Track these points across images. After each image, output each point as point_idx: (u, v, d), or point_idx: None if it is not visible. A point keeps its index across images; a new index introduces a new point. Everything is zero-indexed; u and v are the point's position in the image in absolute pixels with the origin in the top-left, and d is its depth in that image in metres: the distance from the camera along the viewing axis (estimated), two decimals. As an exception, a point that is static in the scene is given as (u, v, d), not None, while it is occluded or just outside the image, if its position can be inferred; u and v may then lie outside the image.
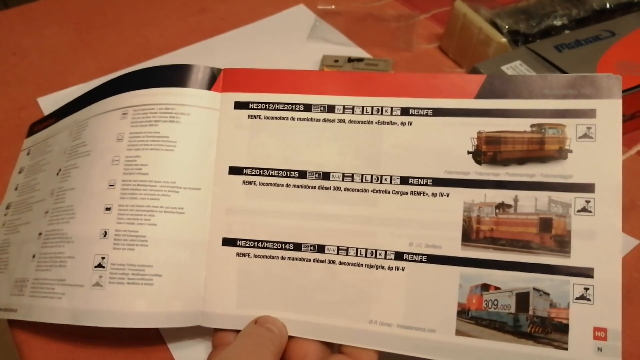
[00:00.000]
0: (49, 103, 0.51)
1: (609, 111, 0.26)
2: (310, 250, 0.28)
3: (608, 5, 0.52)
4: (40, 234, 0.31)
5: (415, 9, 0.62)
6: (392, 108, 0.29)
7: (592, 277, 0.24)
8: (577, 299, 0.24)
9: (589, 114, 0.26)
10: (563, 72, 0.44)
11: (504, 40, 0.49)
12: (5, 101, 0.52)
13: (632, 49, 0.44)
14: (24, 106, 0.51)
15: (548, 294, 0.25)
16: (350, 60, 0.52)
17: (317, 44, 0.56)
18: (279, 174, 0.29)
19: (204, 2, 0.64)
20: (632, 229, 0.35)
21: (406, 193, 0.28)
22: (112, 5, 0.65)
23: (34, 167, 0.36)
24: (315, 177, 0.29)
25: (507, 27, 0.50)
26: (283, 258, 0.29)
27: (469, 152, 0.27)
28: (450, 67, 0.55)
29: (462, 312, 0.26)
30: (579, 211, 0.25)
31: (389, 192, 0.28)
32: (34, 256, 0.30)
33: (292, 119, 0.30)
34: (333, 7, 0.61)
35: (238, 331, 0.28)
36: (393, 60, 0.51)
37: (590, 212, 0.25)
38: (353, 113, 0.29)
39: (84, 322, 0.28)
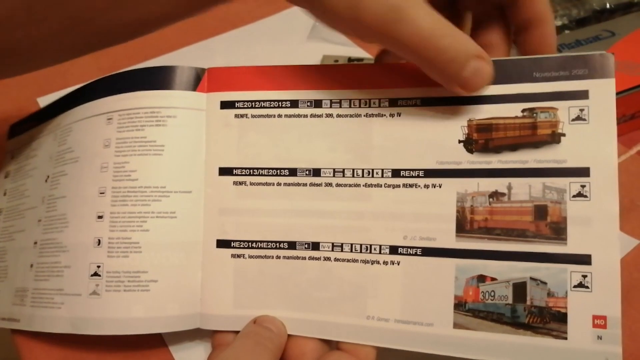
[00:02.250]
0: (49, 103, 0.51)
1: (603, 91, 0.25)
2: (305, 248, 0.28)
3: (608, 5, 0.52)
4: (35, 242, 0.31)
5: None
6: (380, 100, 0.28)
7: (589, 264, 0.24)
8: (575, 286, 0.24)
9: (582, 95, 0.25)
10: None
11: None
12: (6, 101, 0.52)
13: (632, 49, 0.44)
14: (24, 106, 0.51)
15: (545, 283, 0.24)
16: (350, 60, 0.51)
17: (317, 44, 0.56)
18: (269, 173, 0.29)
19: (201, 1, 0.64)
20: (632, 229, 0.34)
21: (398, 186, 0.27)
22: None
23: (20, 172, 0.36)
24: (306, 174, 0.29)
25: None
26: (278, 257, 0.28)
27: (460, 141, 0.27)
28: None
29: (459, 305, 0.25)
30: (574, 196, 0.25)
31: (380, 186, 0.28)
32: (31, 265, 0.31)
33: (279, 116, 0.29)
34: (333, 7, 0.60)
35: (237, 332, 0.28)
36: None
37: (585, 197, 0.24)
38: (340, 107, 0.29)
39: (84, 330, 0.28)
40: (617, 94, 0.25)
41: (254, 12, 0.61)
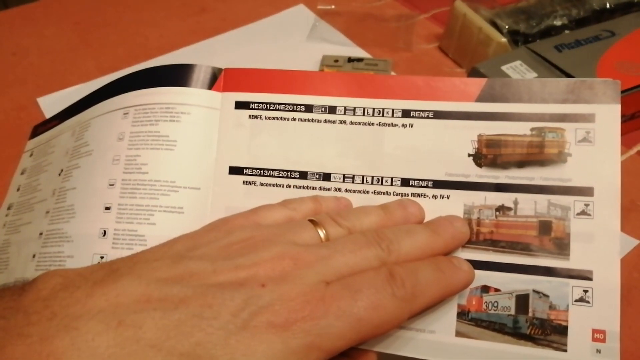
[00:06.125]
0: (49, 103, 0.51)
1: (608, 116, 0.26)
2: None
3: (608, 5, 0.52)
4: (41, 233, 0.31)
5: (415, 9, 0.62)
6: (393, 110, 0.29)
7: (591, 279, 0.25)
8: (576, 301, 0.25)
9: (588, 118, 0.26)
10: (563, 72, 0.44)
11: (503, 40, 0.49)
12: (5, 101, 0.52)
13: (632, 49, 0.44)
14: (24, 106, 0.51)
15: (547, 296, 0.25)
16: (350, 60, 0.52)
17: (317, 44, 0.57)
18: (280, 175, 0.29)
19: (203, 2, 0.64)
20: (632, 229, 0.35)
21: (407, 195, 0.28)
22: (112, 5, 0.65)
23: (36, 168, 0.36)
24: (316, 178, 0.29)
25: (507, 27, 0.51)
26: None
27: (469, 155, 0.27)
28: (450, 67, 0.55)
29: (462, 314, 0.26)
30: (578, 214, 0.25)
31: (389, 194, 0.28)
32: (34, 256, 0.30)
33: (293, 119, 0.30)
34: (333, 7, 0.61)
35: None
36: (393, 60, 0.52)
37: (589, 215, 0.25)
38: (354, 114, 0.29)
39: None
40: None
41: (253, 12, 0.62)
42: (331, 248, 0.23)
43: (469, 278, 0.25)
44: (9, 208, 0.36)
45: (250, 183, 0.29)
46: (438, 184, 0.28)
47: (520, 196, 0.26)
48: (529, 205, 0.26)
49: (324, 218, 0.25)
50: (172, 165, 0.29)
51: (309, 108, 0.30)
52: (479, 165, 0.27)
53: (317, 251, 0.22)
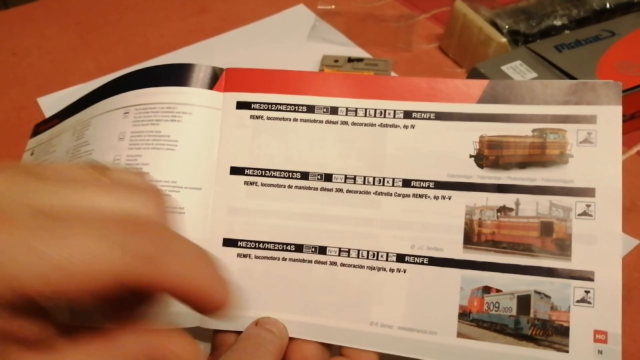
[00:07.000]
0: (49, 103, 0.51)
1: (609, 117, 0.26)
2: (312, 251, 0.28)
3: (608, 5, 0.52)
4: None
5: (415, 9, 0.62)
6: (395, 111, 0.29)
7: (592, 280, 0.25)
8: (577, 302, 0.25)
9: (590, 119, 0.26)
10: (563, 72, 0.44)
11: (504, 40, 0.50)
12: (5, 101, 0.52)
13: (632, 49, 0.44)
14: (24, 106, 0.51)
15: (549, 297, 0.25)
16: (350, 60, 0.52)
17: (317, 44, 0.57)
18: (281, 175, 0.29)
19: (204, 2, 0.64)
20: (632, 229, 0.35)
21: (408, 195, 0.28)
22: (112, 5, 0.65)
23: None
24: (318, 179, 0.29)
25: (507, 27, 0.51)
26: (284, 259, 0.29)
27: (471, 156, 0.27)
28: (450, 67, 0.55)
29: (464, 315, 0.26)
30: (579, 215, 0.26)
31: (391, 195, 0.28)
32: None
33: (295, 120, 0.30)
34: (333, 7, 0.61)
35: (237, 332, 0.28)
36: (393, 60, 0.52)
37: (590, 216, 0.25)
38: (356, 115, 0.29)
39: None
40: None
41: (254, 12, 0.62)
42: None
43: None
44: None
45: (251, 183, 0.29)
46: (440, 185, 0.28)
47: (522, 197, 0.26)
48: (530, 206, 0.26)
49: None
50: (173, 166, 0.29)
51: (310, 109, 0.30)
52: (481, 166, 0.27)
53: None
